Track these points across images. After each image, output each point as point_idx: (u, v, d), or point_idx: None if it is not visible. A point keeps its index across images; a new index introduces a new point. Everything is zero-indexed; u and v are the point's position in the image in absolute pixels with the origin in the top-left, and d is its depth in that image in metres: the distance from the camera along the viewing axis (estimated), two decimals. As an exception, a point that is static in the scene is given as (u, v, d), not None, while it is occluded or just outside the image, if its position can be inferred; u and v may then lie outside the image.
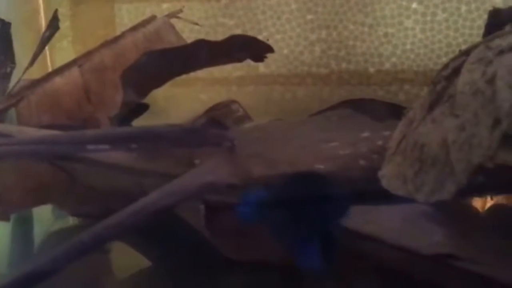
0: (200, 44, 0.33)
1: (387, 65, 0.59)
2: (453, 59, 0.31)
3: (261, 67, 0.61)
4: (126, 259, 0.39)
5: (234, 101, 0.51)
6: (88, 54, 0.43)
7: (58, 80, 0.40)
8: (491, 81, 0.25)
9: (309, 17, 0.60)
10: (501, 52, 0.26)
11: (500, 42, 0.27)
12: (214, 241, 0.28)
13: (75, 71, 0.40)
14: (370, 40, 0.59)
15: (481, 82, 0.26)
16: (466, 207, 0.27)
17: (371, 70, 0.60)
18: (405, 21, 0.58)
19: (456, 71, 0.29)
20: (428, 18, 0.58)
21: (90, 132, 0.30)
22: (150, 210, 0.23)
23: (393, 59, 0.59)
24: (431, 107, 0.30)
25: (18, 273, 0.24)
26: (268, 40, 0.60)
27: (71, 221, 0.44)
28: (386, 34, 0.59)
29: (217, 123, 0.27)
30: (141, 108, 0.47)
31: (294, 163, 0.31)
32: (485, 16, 0.56)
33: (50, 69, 0.56)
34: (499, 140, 0.23)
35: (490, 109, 0.24)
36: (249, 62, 0.62)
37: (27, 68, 0.41)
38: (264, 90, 0.62)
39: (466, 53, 0.30)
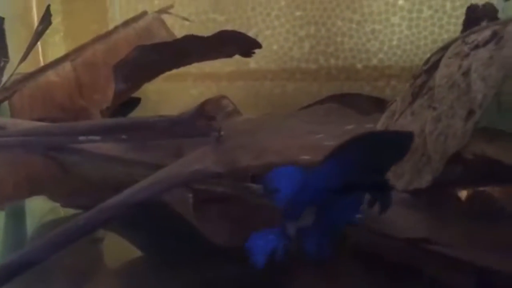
0: (190, 39, 0.33)
1: (374, 61, 0.61)
2: (434, 54, 0.33)
3: (251, 62, 0.62)
4: (118, 249, 0.40)
5: (224, 97, 0.52)
6: (80, 49, 0.44)
7: (50, 74, 0.40)
8: (466, 74, 0.26)
9: (298, 13, 0.61)
10: (476, 47, 0.27)
11: (475, 37, 0.28)
12: (203, 229, 0.29)
13: (67, 66, 0.41)
14: (358, 36, 0.60)
15: (457, 75, 0.27)
16: (445, 194, 0.29)
17: (359, 65, 0.61)
18: (391, 18, 0.60)
19: (435, 65, 0.30)
20: (414, 15, 0.59)
21: (81, 123, 0.31)
22: (139, 198, 0.24)
23: (380, 55, 0.60)
24: (412, 100, 0.31)
25: (9, 259, 0.24)
26: (257, 36, 0.62)
27: (63, 212, 0.45)
28: (373, 31, 0.60)
29: (204, 114, 0.28)
30: (133, 102, 0.48)
31: (281, 153, 0.32)
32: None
33: (42, 64, 0.57)
34: (472, 130, 0.25)
35: (465, 101, 0.25)
36: (239, 57, 0.63)
37: (20, 63, 0.41)
38: (254, 85, 0.63)
39: (445, 47, 0.31)
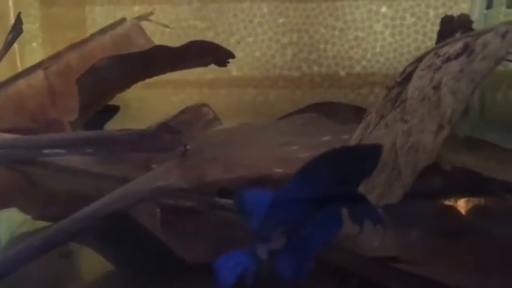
0: (158, 50, 0.33)
1: (358, 68, 0.60)
2: (409, 65, 0.32)
3: (233, 70, 0.62)
4: (92, 263, 0.39)
5: (204, 104, 0.51)
6: (54, 57, 0.43)
7: (21, 83, 0.39)
8: (437, 87, 0.26)
9: (280, 20, 0.61)
10: (448, 59, 0.27)
11: (448, 49, 0.27)
12: (171, 244, 0.28)
13: (39, 74, 0.40)
14: (341, 44, 0.60)
15: (428, 88, 0.27)
16: (416, 209, 0.28)
17: (342, 73, 0.61)
18: (374, 25, 0.59)
19: (409, 77, 0.30)
20: (397, 22, 0.59)
21: (47, 136, 0.30)
22: (103, 213, 0.24)
23: (363, 63, 0.60)
24: (385, 112, 0.31)
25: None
26: (239, 43, 0.61)
27: (40, 223, 0.44)
28: (356, 38, 0.60)
29: (171, 128, 0.27)
30: (112, 110, 0.47)
31: (252, 166, 0.31)
32: (452, 21, 0.57)
33: (20, 70, 0.56)
34: (441, 145, 0.24)
35: (435, 115, 0.25)
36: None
37: (-9, 71, 0.41)
38: (236, 92, 0.62)
39: (420, 59, 0.31)
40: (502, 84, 0.57)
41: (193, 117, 0.45)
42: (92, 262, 0.38)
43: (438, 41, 0.32)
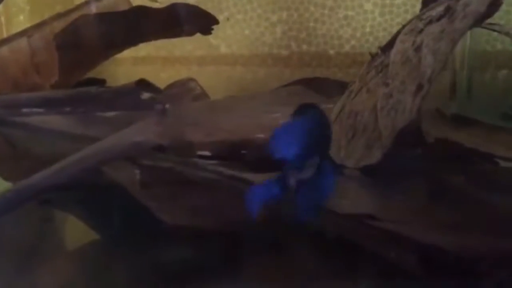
0: (139, 10, 0.32)
1: (347, 48, 0.60)
2: (394, 35, 0.32)
3: (222, 47, 0.61)
4: (73, 229, 0.39)
5: (192, 79, 0.51)
6: (38, 26, 0.42)
7: (4, 50, 0.39)
8: (418, 49, 0.26)
9: (270, -3, 0.60)
10: (430, 22, 0.27)
11: (430, 12, 0.27)
12: (151, 207, 0.28)
13: (23, 41, 0.40)
14: (330, 23, 0.60)
15: (410, 51, 0.27)
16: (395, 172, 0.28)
17: (331, 52, 0.60)
18: (364, 4, 0.59)
19: (391, 43, 0.30)
20: (387, 1, 0.59)
21: (24, 95, 0.30)
22: (76, 169, 0.23)
23: (353, 42, 0.60)
24: (369, 78, 0.31)
25: None
26: (228, 19, 0.61)
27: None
28: (346, 17, 0.59)
29: (148, 86, 0.27)
30: (97, 83, 0.47)
31: (234, 131, 0.31)
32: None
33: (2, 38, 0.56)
34: (420, 104, 0.24)
35: (415, 76, 0.25)
36: (210, 42, 0.62)
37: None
38: (225, 70, 0.62)
39: (404, 27, 0.31)
40: (489, 65, 0.57)
41: (181, 91, 0.45)
42: (74, 228, 0.38)
43: (422, 8, 0.31)
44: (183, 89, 0.47)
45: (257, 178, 0.26)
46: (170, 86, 0.50)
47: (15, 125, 0.30)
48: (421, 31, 0.27)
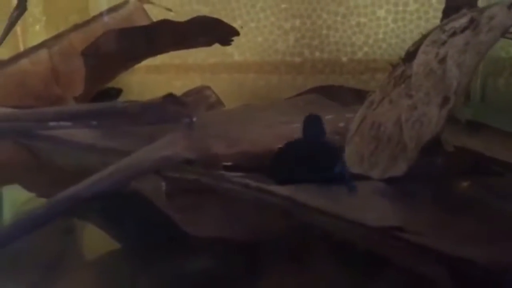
0: (163, 24, 0.33)
1: (360, 54, 0.60)
2: (413, 44, 0.32)
3: (236, 54, 0.62)
4: (95, 240, 0.39)
5: (206, 87, 0.52)
6: (57, 37, 0.43)
7: (25, 62, 0.39)
8: (442, 61, 0.26)
9: (283, 6, 0.61)
10: (453, 34, 0.27)
11: (453, 24, 0.27)
12: (176, 219, 0.29)
13: (43, 53, 0.40)
14: (343, 30, 0.60)
15: (434, 62, 0.27)
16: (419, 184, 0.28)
17: (344, 59, 0.61)
18: (377, 11, 0.59)
19: (413, 54, 0.30)
20: (400, 8, 0.59)
21: (51, 109, 0.30)
22: (108, 183, 0.24)
23: (366, 49, 0.60)
24: (390, 89, 0.31)
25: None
26: (242, 28, 0.61)
27: (42, 201, 0.44)
28: (358, 24, 0.60)
29: (175, 100, 0.27)
30: (115, 93, 0.47)
31: (256, 142, 0.31)
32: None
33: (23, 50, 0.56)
34: (447, 117, 0.24)
35: (440, 88, 0.25)
36: (223, 49, 0.62)
37: (-6, 49, 0.41)
38: (238, 77, 0.62)
39: (425, 37, 0.31)
40: (504, 71, 0.57)
41: (196, 99, 0.45)
42: (95, 239, 0.38)
43: (443, 18, 0.32)
44: (198, 97, 0.47)
45: (282, 190, 0.26)
46: (186, 94, 0.50)
47: (40, 138, 0.31)
48: (444, 42, 0.27)
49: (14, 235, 0.22)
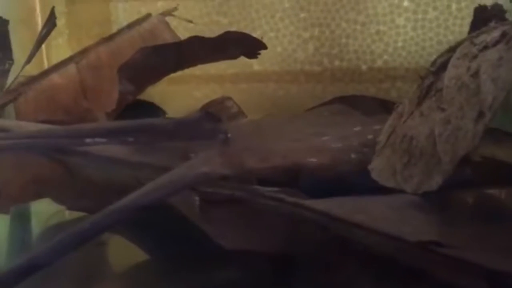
0: (195, 40, 0.33)
1: (379, 63, 0.60)
2: (441, 55, 0.32)
3: (255, 64, 0.62)
4: (123, 252, 0.39)
5: (228, 98, 0.52)
6: (84, 51, 0.44)
7: (55, 76, 0.40)
8: (475, 75, 0.26)
9: (302, 15, 0.61)
10: (485, 48, 0.27)
11: (484, 37, 0.28)
12: (209, 232, 0.29)
13: (72, 68, 0.41)
14: (362, 38, 0.60)
15: (466, 76, 0.27)
16: (453, 196, 0.28)
17: (363, 67, 0.61)
18: (396, 19, 0.59)
19: (443, 67, 0.30)
20: (419, 16, 0.59)
21: (87, 125, 0.31)
22: (145, 201, 0.24)
23: (385, 57, 0.60)
24: (420, 101, 0.31)
25: (16, 263, 0.24)
26: (262, 38, 0.61)
27: (68, 215, 0.45)
28: (378, 32, 0.60)
29: (211, 116, 0.28)
30: (143, 106, 0.48)
31: (287, 156, 0.32)
32: (475, 14, 0.57)
33: (46, 66, 0.57)
34: (483, 132, 0.24)
35: (474, 102, 0.25)
36: (243, 59, 0.63)
37: (25, 65, 0.41)
38: (257, 87, 0.63)
39: (452, 49, 0.31)
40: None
41: (218, 111, 0.46)
42: (125, 251, 0.39)
43: (471, 31, 0.32)
44: (220, 108, 0.48)
45: (317, 204, 0.26)
46: (208, 106, 0.51)
47: (74, 153, 0.31)
48: (475, 56, 0.27)
49: (60, 252, 0.22)
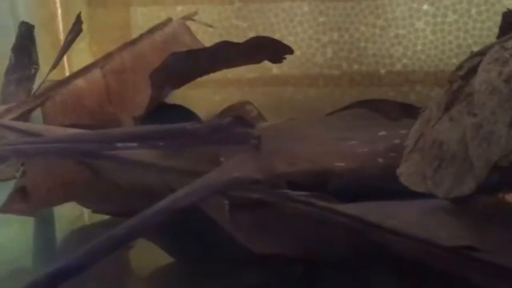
0: (224, 45, 0.34)
1: (398, 66, 0.60)
2: (468, 60, 0.32)
3: (274, 68, 0.62)
4: (147, 255, 0.40)
5: (248, 102, 0.52)
6: (108, 56, 0.44)
7: (80, 81, 0.41)
8: (508, 80, 0.26)
9: (321, 19, 0.61)
10: (517, 52, 0.27)
11: (515, 42, 0.27)
12: (238, 236, 0.29)
13: (96, 73, 0.41)
14: (381, 42, 0.60)
15: (498, 81, 0.27)
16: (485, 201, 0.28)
17: (382, 71, 0.61)
18: (416, 23, 0.59)
19: (472, 71, 0.30)
20: (439, 19, 0.59)
21: (117, 130, 0.31)
22: (179, 206, 0.24)
23: (404, 60, 0.60)
24: (448, 106, 0.31)
25: (50, 269, 0.24)
26: (281, 42, 0.61)
27: (95, 217, 0.44)
28: (397, 36, 0.60)
29: (243, 121, 0.28)
30: (174, 109, 0.48)
31: (315, 160, 0.32)
32: (495, 18, 0.57)
33: (67, 70, 0.58)
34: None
35: (507, 107, 0.25)
36: (262, 63, 0.63)
37: (51, 70, 0.42)
38: (276, 91, 0.63)
39: (481, 53, 0.31)
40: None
41: (238, 114, 0.46)
42: (150, 254, 0.39)
43: (499, 36, 0.32)
44: (240, 113, 0.48)
45: (350, 209, 0.26)
46: (228, 110, 0.51)
47: (103, 157, 0.31)
48: (507, 61, 0.27)
49: (96, 257, 0.23)
